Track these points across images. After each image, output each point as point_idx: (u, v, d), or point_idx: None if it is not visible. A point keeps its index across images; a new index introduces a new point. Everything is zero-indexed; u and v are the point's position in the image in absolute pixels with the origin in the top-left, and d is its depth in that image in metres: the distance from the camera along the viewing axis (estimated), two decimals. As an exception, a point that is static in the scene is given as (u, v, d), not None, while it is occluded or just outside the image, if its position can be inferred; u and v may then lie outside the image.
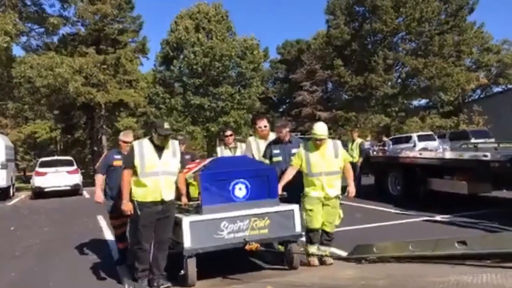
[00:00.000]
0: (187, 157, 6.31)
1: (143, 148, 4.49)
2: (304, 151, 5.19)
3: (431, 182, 9.62)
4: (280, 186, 4.99)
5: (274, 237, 4.76)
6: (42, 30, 26.24)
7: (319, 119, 33.72)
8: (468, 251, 4.00)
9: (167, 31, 31.71)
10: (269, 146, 5.68)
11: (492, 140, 19.34)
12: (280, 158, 5.51)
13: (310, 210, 5.01)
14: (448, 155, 9.74)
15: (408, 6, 28.96)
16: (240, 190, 4.66)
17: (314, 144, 5.14)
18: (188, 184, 5.02)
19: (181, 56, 31.07)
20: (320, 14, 66.76)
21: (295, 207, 4.84)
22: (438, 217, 8.01)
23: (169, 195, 4.49)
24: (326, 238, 5.12)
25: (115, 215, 5.31)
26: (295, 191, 5.11)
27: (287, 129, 5.77)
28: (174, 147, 4.61)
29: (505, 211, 8.14)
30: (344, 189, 5.27)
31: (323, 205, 5.07)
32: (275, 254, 5.19)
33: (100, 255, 6.52)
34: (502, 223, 6.89)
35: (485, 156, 8.17)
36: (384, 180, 11.01)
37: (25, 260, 6.61)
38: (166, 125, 4.50)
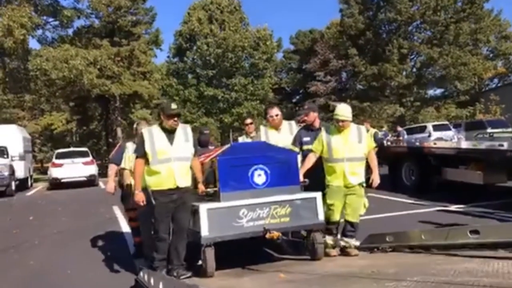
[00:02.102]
0: (211, 147, 6.27)
1: (153, 135, 4.34)
2: (325, 135, 4.93)
3: (445, 172, 9.54)
4: (301, 174, 4.78)
5: (296, 225, 4.58)
6: (56, 23, 26.52)
7: (333, 110, 33.54)
8: (481, 240, 3.99)
9: (180, 23, 31.90)
10: (299, 133, 5.46)
11: (510, 129, 19.04)
12: (310, 146, 5.17)
13: (331, 204, 4.78)
14: (463, 144, 9.64)
15: (423, -6, 28.55)
16: (259, 177, 4.47)
17: (337, 127, 4.89)
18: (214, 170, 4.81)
19: (194, 48, 31.18)
20: (334, 3, 66.13)
21: (317, 194, 4.63)
22: (452, 207, 7.96)
23: (184, 182, 4.35)
24: (349, 229, 4.88)
25: (131, 207, 5.09)
26: (318, 178, 4.88)
27: (316, 114, 5.52)
28: (186, 131, 4.46)
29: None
30: (367, 180, 5.01)
31: (346, 194, 4.82)
32: (295, 244, 5.05)
33: (116, 245, 6.65)
34: (517, 213, 6.83)
35: (501, 145, 8.07)
36: (398, 170, 10.95)
37: (44, 249, 6.77)
38: (174, 105, 4.34)
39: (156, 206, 4.27)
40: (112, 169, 5.58)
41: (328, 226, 4.82)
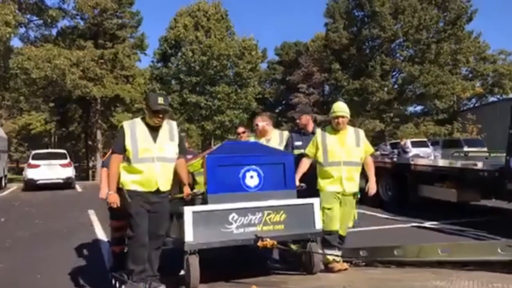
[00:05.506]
0: (189, 156, 6.04)
1: (136, 130, 3.89)
2: (320, 137, 4.63)
3: (421, 189, 9.69)
4: (296, 178, 4.42)
5: (291, 234, 4.16)
6: (40, 22, 26.22)
7: (315, 122, 33.84)
8: (450, 258, 4.08)
9: (166, 28, 31.92)
10: (290, 137, 5.21)
11: (485, 149, 19.51)
12: (302, 151, 4.90)
13: (329, 209, 4.39)
14: (440, 162, 9.81)
15: (407, 13, 29.18)
16: (251, 179, 4.08)
17: (334, 125, 4.61)
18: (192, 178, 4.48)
19: (179, 54, 31.20)
20: (319, 17, 66.96)
21: (315, 200, 4.27)
22: (427, 224, 8.08)
23: (166, 185, 3.92)
24: (338, 241, 4.60)
25: (116, 215, 4.52)
26: (314, 184, 4.62)
27: (308, 117, 5.24)
28: (171, 128, 4.00)
29: (492, 219, 8.24)
30: (362, 189, 4.82)
31: (340, 203, 4.53)
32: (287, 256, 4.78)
33: (90, 250, 6.56)
34: (489, 231, 6.96)
35: (475, 165, 8.27)
36: (376, 185, 11.02)
37: (15, 251, 6.63)
38: (160, 100, 3.84)
39: (131, 204, 3.84)
40: (104, 173, 4.86)
41: (328, 237, 4.47)
